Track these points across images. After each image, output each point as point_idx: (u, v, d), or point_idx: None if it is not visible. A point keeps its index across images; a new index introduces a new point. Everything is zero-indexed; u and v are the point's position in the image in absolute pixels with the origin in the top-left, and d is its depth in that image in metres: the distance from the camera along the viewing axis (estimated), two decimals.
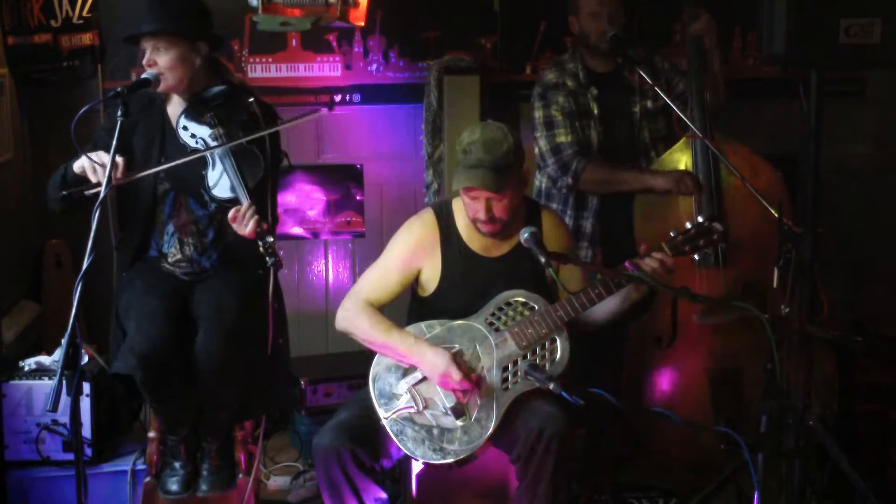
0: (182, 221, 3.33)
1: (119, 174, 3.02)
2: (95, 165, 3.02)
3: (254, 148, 3.23)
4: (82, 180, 3.08)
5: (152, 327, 3.13)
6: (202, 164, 3.22)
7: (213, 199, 3.22)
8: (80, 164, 3.07)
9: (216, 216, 3.31)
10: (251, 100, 3.30)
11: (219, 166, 3.19)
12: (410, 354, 3.03)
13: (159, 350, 3.11)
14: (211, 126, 3.23)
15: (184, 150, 3.24)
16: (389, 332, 3.06)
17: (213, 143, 3.21)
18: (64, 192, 3.10)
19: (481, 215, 3.04)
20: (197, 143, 3.23)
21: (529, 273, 3.12)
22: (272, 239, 3.06)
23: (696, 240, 3.07)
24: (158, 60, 3.19)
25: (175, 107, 3.33)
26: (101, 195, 2.76)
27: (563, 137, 3.85)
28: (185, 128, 3.25)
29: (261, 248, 3.04)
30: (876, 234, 4.82)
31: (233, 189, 3.16)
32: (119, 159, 3.00)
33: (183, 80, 3.25)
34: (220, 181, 3.20)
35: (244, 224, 3.06)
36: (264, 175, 3.23)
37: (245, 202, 3.09)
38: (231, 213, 3.09)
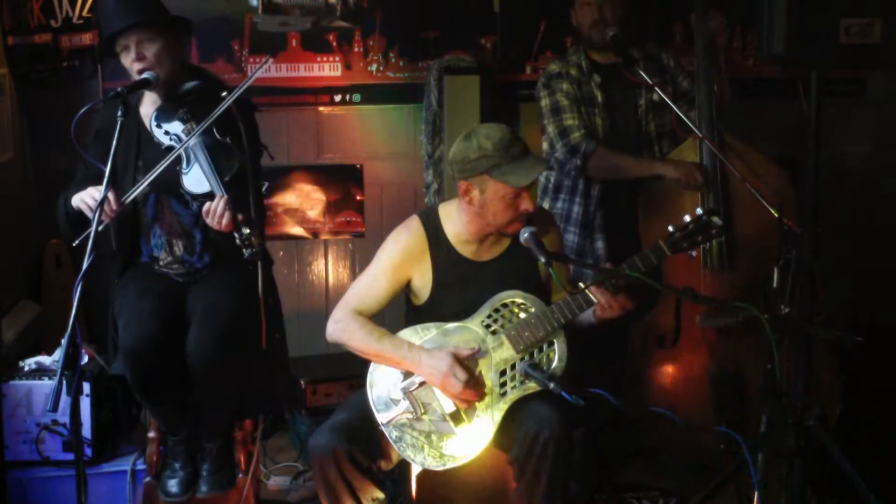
0: (167, 223, 3.30)
1: (114, 206, 3.00)
2: (90, 204, 3.01)
3: (227, 140, 3.17)
4: (82, 214, 3.05)
5: (139, 325, 3.11)
6: (178, 161, 3.16)
7: (188, 195, 3.16)
8: (76, 203, 3.06)
9: (201, 216, 3.23)
10: (224, 93, 3.19)
11: (193, 162, 3.14)
12: (405, 361, 3.00)
13: (146, 348, 3.09)
14: (184, 121, 3.18)
15: (159, 149, 3.19)
16: (382, 340, 3.02)
17: (185, 139, 3.15)
18: (75, 243, 3.02)
19: (529, 207, 2.99)
20: (171, 140, 3.17)
21: (520, 276, 3.09)
22: (248, 231, 2.98)
23: (694, 236, 3.02)
24: (147, 53, 3.14)
25: (148, 107, 3.28)
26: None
27: (570, 121, 3.86)
28: (158, 125, 3.19)
29: (237, 241, 2.99)
30: (876, 233, 4.82)
31: (206, 183, 3.10)
32: (110, 195, 2.96)
33: (172, 72, 3.20)
34: (194, 176, 3.14)
35: (217, 218, 3.01)
36: (241, 167, 3.15)
37: (218, 195, 3.04)
38: (204, 208, 3.04)
